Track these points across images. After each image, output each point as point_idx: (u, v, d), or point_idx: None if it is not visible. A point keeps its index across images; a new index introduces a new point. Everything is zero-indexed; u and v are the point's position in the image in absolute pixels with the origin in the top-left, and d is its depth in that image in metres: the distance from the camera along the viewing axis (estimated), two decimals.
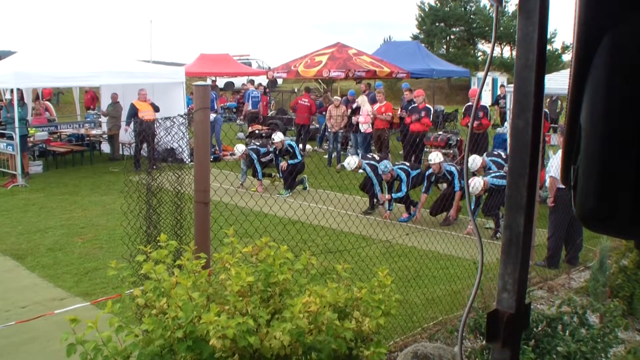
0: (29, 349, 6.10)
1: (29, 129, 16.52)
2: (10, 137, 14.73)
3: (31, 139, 16.69)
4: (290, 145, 13.62)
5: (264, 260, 3.75)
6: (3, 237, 10.19)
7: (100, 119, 19.98)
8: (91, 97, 25.98)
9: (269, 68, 28.45)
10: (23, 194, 13.69)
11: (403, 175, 11.24)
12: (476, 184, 9.88)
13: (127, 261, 4.36)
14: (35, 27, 75.71)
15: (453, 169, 10.95)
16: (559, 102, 20.73)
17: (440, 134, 15.17)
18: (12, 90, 15.40)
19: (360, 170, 11.86)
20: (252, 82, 26.19)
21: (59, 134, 19.31)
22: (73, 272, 8.41)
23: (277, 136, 13.65)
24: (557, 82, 13.08)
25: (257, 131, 19.97)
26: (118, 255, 5.62)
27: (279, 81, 34.00)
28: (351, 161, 11.67)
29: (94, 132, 19.40)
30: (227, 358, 3.32)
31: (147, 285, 3.62)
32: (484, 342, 5.26)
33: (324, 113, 20.11)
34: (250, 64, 37.06)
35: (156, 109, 16.36)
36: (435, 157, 10.91)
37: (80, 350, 3.34)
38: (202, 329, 3.27)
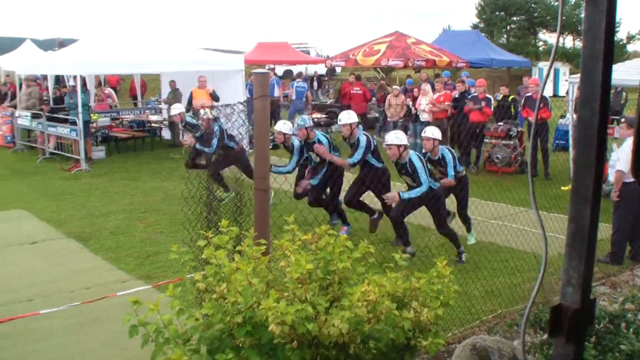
0: (93, 329, 6.28)
1: (91, 114, 16.91)
2: (74, 123, 15.14)
3: (94, 124, 17.10)
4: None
5: (323, 248, 3.75)
6: (68, 220, 10.49)
7: (160, 106, 20.30)
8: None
9: (327, 56, 28.41)
10: (86, 178, 14.07)
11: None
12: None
13: (188, 246, 4.41)
14: (98, 15, 77.58)
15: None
16: (624, 94, 20.12)
17: (500, 125, 14.82)
18: (75, 77, 15.83)
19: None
20: (300, 74, 25.49)
21: (120, 120, 19.71)
22: (135, 255, 8.61)
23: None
24: (622, 73, 12.67)
25: (315, 119, 19.99)
26: (178, 239, 5.70)
27: (338, 69, 33.96)
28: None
29: (154, 118, 19.73)
30: (286, 344, 3.34)
31: (207, 270, 3.66)
32: (545, 336, 5.16)
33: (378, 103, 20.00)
34: (308, 52, 37.00)
35: (215, 98, 16.41)
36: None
37: (142, 331, 3.41)
38: (261, 314, 3.29)
